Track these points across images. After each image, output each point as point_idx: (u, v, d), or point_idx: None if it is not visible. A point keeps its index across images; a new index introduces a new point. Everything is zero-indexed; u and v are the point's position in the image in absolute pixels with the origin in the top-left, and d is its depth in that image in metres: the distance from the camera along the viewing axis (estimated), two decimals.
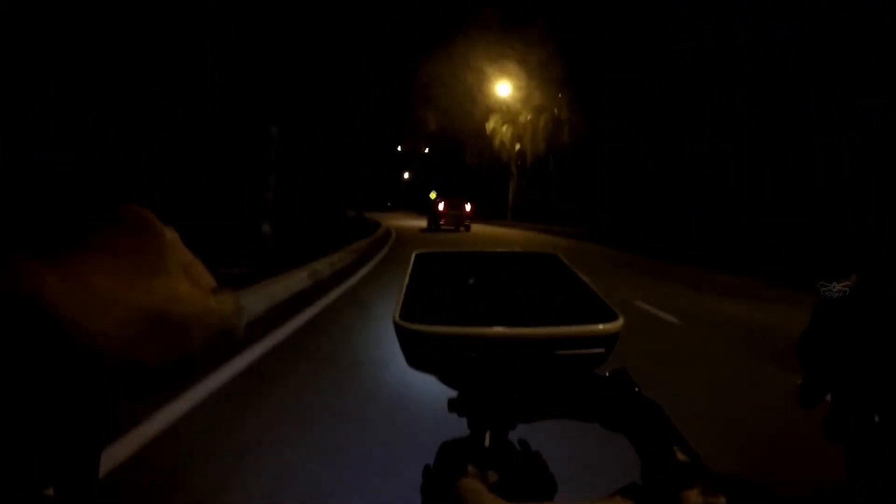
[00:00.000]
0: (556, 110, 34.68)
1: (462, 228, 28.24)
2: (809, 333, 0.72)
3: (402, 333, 0.64)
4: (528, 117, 36.82)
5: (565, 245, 19.60)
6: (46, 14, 5.41)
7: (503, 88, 37.93)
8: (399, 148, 60.41)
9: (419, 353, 0.65)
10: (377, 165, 47.80)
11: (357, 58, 19.43)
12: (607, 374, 0.64)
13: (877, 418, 0.61)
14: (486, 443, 0.64)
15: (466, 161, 42.07)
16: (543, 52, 32.89)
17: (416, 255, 0.77)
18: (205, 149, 9.26)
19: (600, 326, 0.64)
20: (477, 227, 29.86)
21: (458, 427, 0.67)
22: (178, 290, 0.70)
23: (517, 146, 38.25)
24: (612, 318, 0.65)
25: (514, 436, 0.66)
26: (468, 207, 29.24)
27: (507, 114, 38.35)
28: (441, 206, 28.92)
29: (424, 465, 0.64)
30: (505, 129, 38.60)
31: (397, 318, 0.64)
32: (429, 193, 34.54)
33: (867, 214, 14.13)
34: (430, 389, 0.73)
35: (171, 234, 0.71)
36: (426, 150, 58.46)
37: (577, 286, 0.71)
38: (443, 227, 28.02)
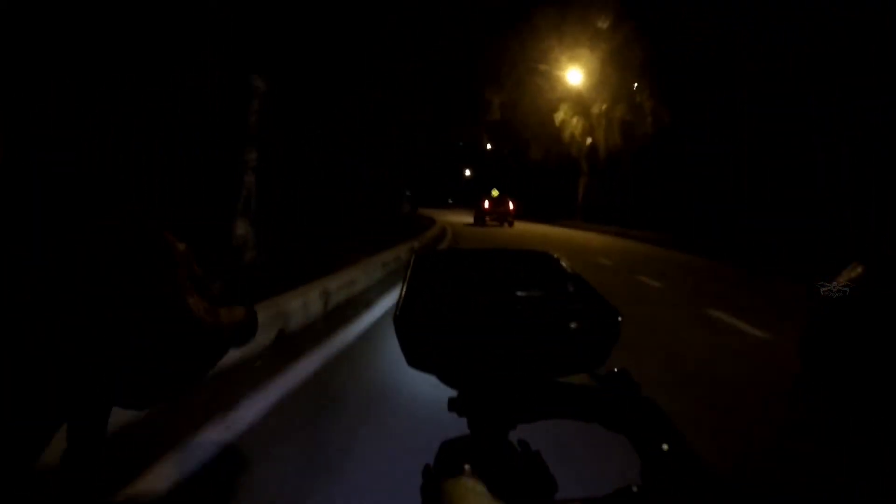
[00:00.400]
0: (638, 98, 30.28)
1: (506, 224, 30.01)
2: (810, 332, 0.72)
3: (402, 333, 0.64)
4: (603, 107, 32.62)
5: (678, 261, 15.08)
6: (46, 14, 5.41)
7: (574, 76, 33.49)
8: (461, 143, 57.41)
9: (419, 353, 0.65)
10: (436, 161, 45.50)
11: (398, 54, 17.79)
12: (607, 374, 0.64)
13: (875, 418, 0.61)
14: (486, 443, 0.64)
15: (531, 157, 38.20)
16: (619, 35, 29.29)
17: (417, 255, 0.77)
18: (205, 149, 9.23)
19: (600, 324, 0.65)
20: (535, 228, 28.39)
21: (459, 427, 0.67)
22: (187, 304, 0.72)
23: (588, 140, 34.36)
24: (612, 315, 0.65)
25: (514, 436, 0.67)
26: (511, 205, 31.23)
27: (579, 104, 34.17)
28: (486, 204, 31.14)
29: (424, 465, 0.64)
30: (575, 122, 34.50)
31: (397, 319, 0.64)
32: (490, 190, 33.96)
33: (867, 214, 14.16)
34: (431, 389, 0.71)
35: (183, 249, 0.73)
36: (488, 146, 54.13)
37: (576, 284, 0.71)
38: (488, 223, 30.08)
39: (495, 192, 32.52)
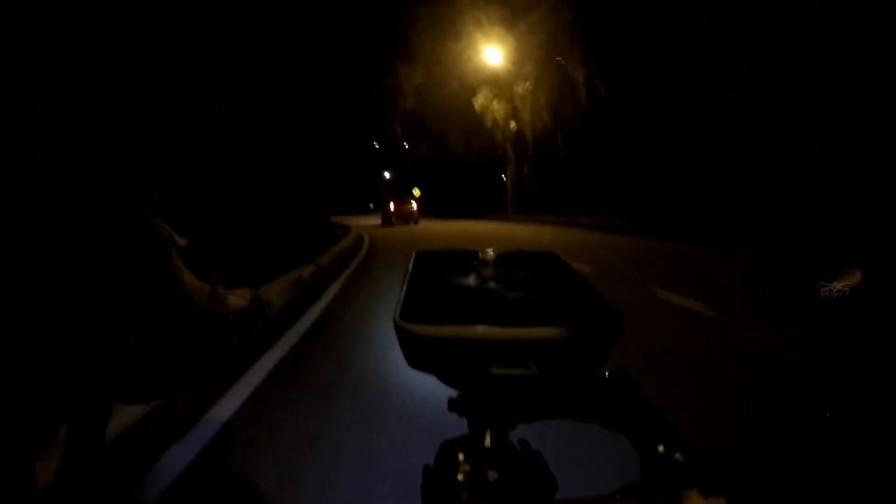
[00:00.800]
0: (569, 69, 27.39)
1: (412, 222, 31.78)
2: (812, 335, 0.72)
3: (402, 334, 0.64)
4: (526, 85, 30.04)
5: (676, 253, 11.61)
6: (46, 14, 5.41)
7: (492, 55, 30.78)
8: (376, 145, 54.13)
9: (419, 354, 0.65)
10: (361, 164, 45.40)
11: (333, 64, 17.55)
12: (607, 374, 0.64)
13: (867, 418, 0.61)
14: (486, 443, 0.64)
15: (452, 150, 35.88)
16: (543, 4, 26.97)
17: (417, 255, 0.77)
18: (205, 149, 9.22)
19: (600, 325, 0.64)
20: (464, 226, 25.80)
21: (459, 427, 0.67)
22: (187, 296, 0.73)
23: (512, 124, 32.30)
24: (613, 316, 0.64)
25: (514, 436, 0.66)
26: (415, 205, 33.49)
27: (499, 86, 31.92)
28: (392, 206, 33.09)
29: (424, 465, 0.64)
30: (496, 105, 32.38)
31: (397, 319, 0.64)
32: (411, 190, 35.22)
33: (867, 214, 14.16)
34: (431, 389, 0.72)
35: (184, 244, 0.76)
36: (405, 145, 50.24)
37: (577, 284, 0.71)
38: (394, 223, 31.73)
39: (417, 192, 34.24)
